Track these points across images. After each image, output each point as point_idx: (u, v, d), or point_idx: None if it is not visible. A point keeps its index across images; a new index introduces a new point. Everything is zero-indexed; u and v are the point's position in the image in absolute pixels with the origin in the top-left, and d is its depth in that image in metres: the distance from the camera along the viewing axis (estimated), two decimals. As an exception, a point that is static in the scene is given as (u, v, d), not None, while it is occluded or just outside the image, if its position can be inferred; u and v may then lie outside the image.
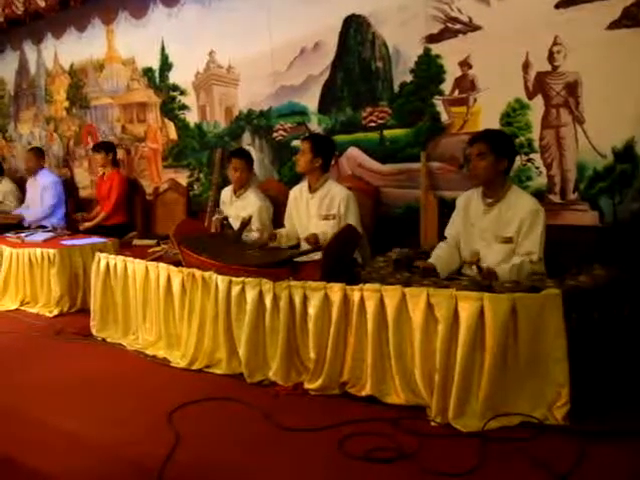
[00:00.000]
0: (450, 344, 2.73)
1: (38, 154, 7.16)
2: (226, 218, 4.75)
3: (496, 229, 3.31)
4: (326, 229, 4.07)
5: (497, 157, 3.27)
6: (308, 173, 4.29)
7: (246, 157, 4.93)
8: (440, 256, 3.46)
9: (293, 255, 3.87)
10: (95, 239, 5.39)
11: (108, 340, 4.18)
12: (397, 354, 2.91)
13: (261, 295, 3.30)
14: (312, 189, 4.29)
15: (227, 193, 5.07)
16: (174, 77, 6.32)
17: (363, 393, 3.02)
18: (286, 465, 2.51)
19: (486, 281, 2.99)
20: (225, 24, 5.66)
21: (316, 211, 4.24)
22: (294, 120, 5.32)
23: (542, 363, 2.72)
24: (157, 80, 6.48)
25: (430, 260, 3.43)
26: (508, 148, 3.37)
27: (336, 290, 3.07)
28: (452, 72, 4.31)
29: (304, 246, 4.16)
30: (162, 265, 3.85)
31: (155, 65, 6.46)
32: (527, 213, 3.22)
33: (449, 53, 4.30)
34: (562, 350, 2.66)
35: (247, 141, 5.71)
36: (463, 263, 3.49)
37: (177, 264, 3.86)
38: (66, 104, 7.75)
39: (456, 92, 4.32)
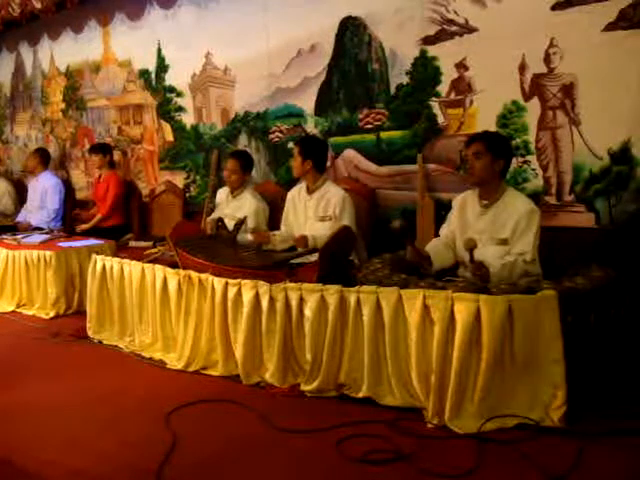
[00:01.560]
0: (446, 346, 2.73)
1: (42, 155, 7.14)
2: (221, 219, 4.75)
3: (492, 231, 3.31)
4: (321, 231, 4.07)
5: (493, 157, 3.28)
6: (303, 176, 4.29)
7: (241, 159, 4.90)
8: (436, 247, 3.48)
9: (289, 257, 3.87)
10: (91, 241, 5.38)
11: (104, 342, 4.17)
12: (393, 356, 2.91)
13: (257, 297, 3.30)
14: (310, 190, 4.29)
15: (223, 193, 5.06)
16: (170, 79, 6.33)
17: (360, 395, 3.02)
18: (283, 467, 2.51)
19: (477, 273, 3.03)
20: (221, 26, 5.67)
21: (313, 212, 4.24)
22: (290, 122, 5.33)
23: (538, 364, 2.72)
24: (153, 82, 6.49)
25: (426, 248, 3.46)
26: (505, 149, 3.38)
27: (332, 292, 3.07)
28: (448, 74, 4.32)
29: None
30: (158, 267, 3.84)
31: (151, 67, 6.46)
32: (523, 214, 3.22)
33: (445, 55, 4.31)
34: (558, 351, 2.66)
35: (243, 143, 5.72)
36: (459, 264, 3.49)
37: (173, 266, 3.86)
38: (62, 106, 7.75)
39: (452, 94, 4.33)
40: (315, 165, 4.23)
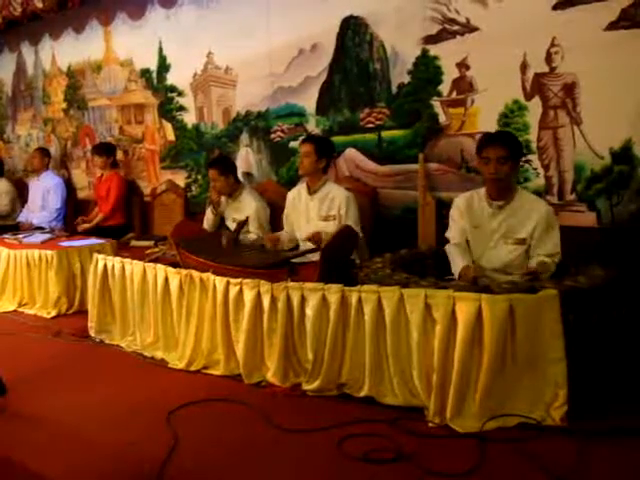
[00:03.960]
0: (448, 345, 2.73)
1: (44, 154, 7.16)
2: (222, 219, 4.75)
3: (507, 231, 3.32)
4: (327, 229, 4.06)
5: (514, 162, 3.29)
6: (310, 175, 4.28)
7: (219, 166, 4.84)
8: (466, 258, 3.37)
9: (291, 256, 3.87)
10: (93, 240, 5.39)
11: (106, 341, 4.17)
12: (395, 355, 2.91)
13: (259, 296, 3.30)
14: (311, 191, 4.29)
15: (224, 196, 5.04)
16: (172, 78, 6.32)
17: (361, 394, 3.02)
18: (285, 466, 2.51)
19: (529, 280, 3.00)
20: (223, 25, 5.67)
21: (316, 212, 4.24)
22: (292, 121, 5.32)
23: (540, 364, 2.72)
24: (155, 81, 6.48)
25: (465, 264, 3.30)
26: (521, 151, 3.44)
27: (334, 291, 3.07)
28: (450, 73, 4.31)
29: (304, 246, 4.16)
30: (160, 266, 3.85)
31: (153, 66, 6.46)
32: (542, 215, 3.25)
33: (447, 54, 4.30)
34: (560, 351, 2.67)
35: (245, 142, 5.71)
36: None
37: (175, 265, 3.86)
38: (64, 105, 7.74)
39: (454, 93, 4.32)
40: (326, 165, 4.25)
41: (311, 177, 4.29)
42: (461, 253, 3.41)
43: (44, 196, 6.91)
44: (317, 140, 4.34)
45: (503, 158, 3.25)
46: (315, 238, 3.98)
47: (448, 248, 3.53)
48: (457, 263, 3.34)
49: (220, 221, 4.84)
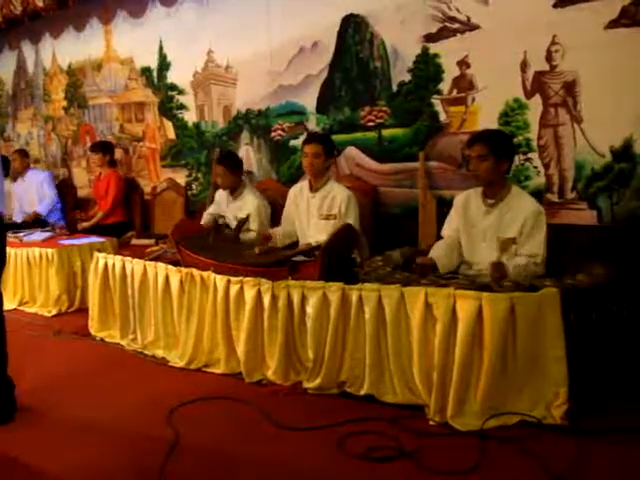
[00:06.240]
0: (448, 343, 2.74)
1: (23, 155, 7.13)
2: (223, 217, 4.74)
3: (497, 229, 3.31)
4: (326, 231, 4.05)
5: (497, 158, 3.27)
6: (318, 174, 4.25)
7: (227, 162, 4.82)
8: (440, 253, 3.45)
9: (292, 254, 3.87)
10: (93, 239, 5.39)
11: (106, 340, 4.18)
12: (395, 353, 2.91)
13: (259, 295, 3.30)
14: (313, 188, 4.26)
15: (223, 194, 5.00)
16: (172, 76, 6.32)
17: (361, 392, 3.03)
18: (285, 464, 2.51)
19: (496, 275, 3.04)
20: (223, 23, 5.67)
21: (317, 211, 4.22)
22: (292, 120, 5.32)
23: (540, 362, 2.72)
24: (155, 79, 6.48)
25: (430, 256, 3.43)
26: (508, 148, 3.37)
27: (334, 290, 3.07)
28: (450, 71, 4.31)
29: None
30: (160, 265, 3.85)
31: (153, 64, 6.46)
32: (529, 214, 3.22)
33: (447, 52, 4.30)
34: (560, 349, 2.67)
35: (245, 141, 5.71)
36: (461, 263, 3.49)
37: (175, 264, 3.86)
38: (64, 103, 7.75)
39: (454, 91, 4.32)
40: (330, 163, 4.25)
41: (316, 176, 4.27)
42: (435, 248, 3.50)
43: (38, 190, 6.89)
44: (324, 140, 4.30)
45: (482, 156, 3.28)
46: (306, 250, 3.99)
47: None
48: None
49: (214, 222, 4.80)
